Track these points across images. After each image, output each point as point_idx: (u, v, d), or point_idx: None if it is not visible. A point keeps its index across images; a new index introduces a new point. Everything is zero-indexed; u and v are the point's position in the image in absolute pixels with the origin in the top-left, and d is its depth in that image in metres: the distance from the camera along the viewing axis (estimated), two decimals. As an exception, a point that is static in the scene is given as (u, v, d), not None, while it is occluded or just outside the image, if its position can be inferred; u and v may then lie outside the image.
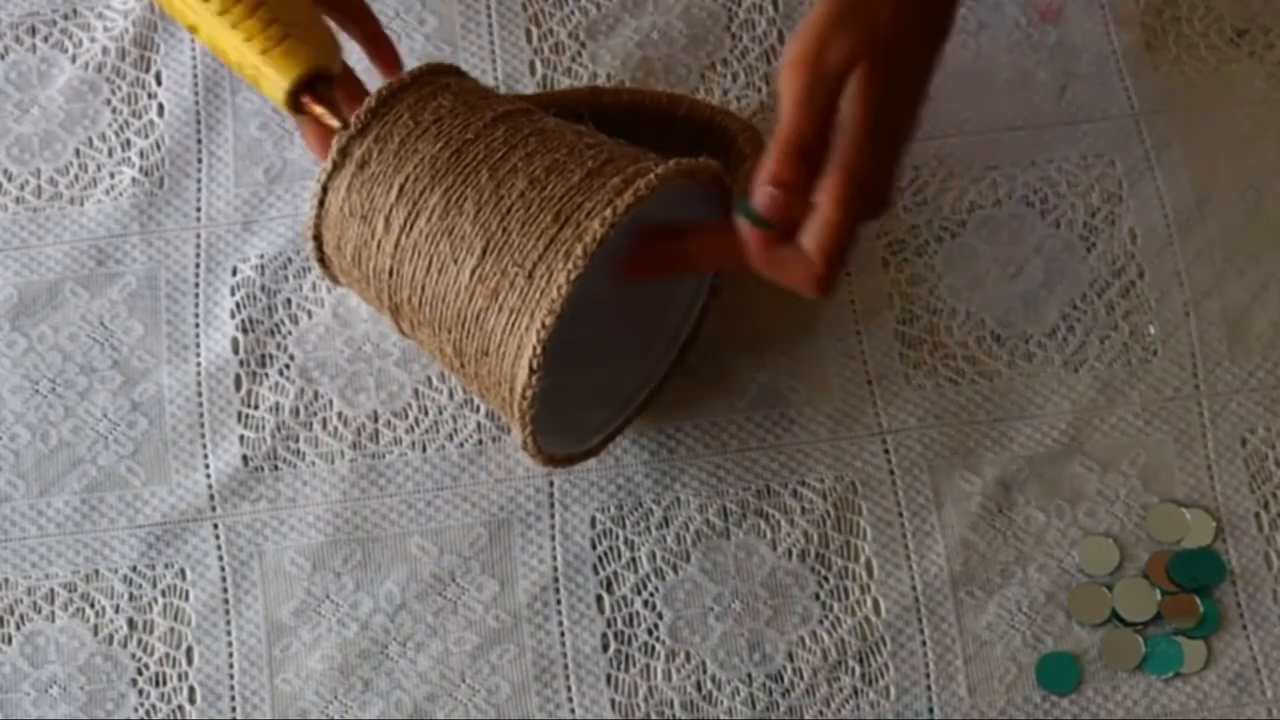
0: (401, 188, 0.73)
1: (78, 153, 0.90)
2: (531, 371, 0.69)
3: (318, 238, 0.76)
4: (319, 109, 0.73)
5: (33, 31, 0.93)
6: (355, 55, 0.82)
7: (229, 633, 0.83)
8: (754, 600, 0.84)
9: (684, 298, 0.84)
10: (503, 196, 0.71)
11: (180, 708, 0.82)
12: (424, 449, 0.85)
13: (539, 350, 0.69)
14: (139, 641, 0.83)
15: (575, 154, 0.72)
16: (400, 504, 0.85)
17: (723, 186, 0.76)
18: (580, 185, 0.71)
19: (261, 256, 0.88)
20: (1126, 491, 0.86)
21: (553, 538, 0.84)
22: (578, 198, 0.70)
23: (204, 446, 0.85)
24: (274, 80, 0.72)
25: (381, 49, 0.82)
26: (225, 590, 0.83)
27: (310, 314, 0.87)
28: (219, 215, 0.89)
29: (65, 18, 0.93)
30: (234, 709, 0.82)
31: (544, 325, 0.69)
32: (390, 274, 0.74)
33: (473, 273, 0.71)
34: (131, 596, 0.83)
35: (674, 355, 0.84)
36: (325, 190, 0.75)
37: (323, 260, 0.78)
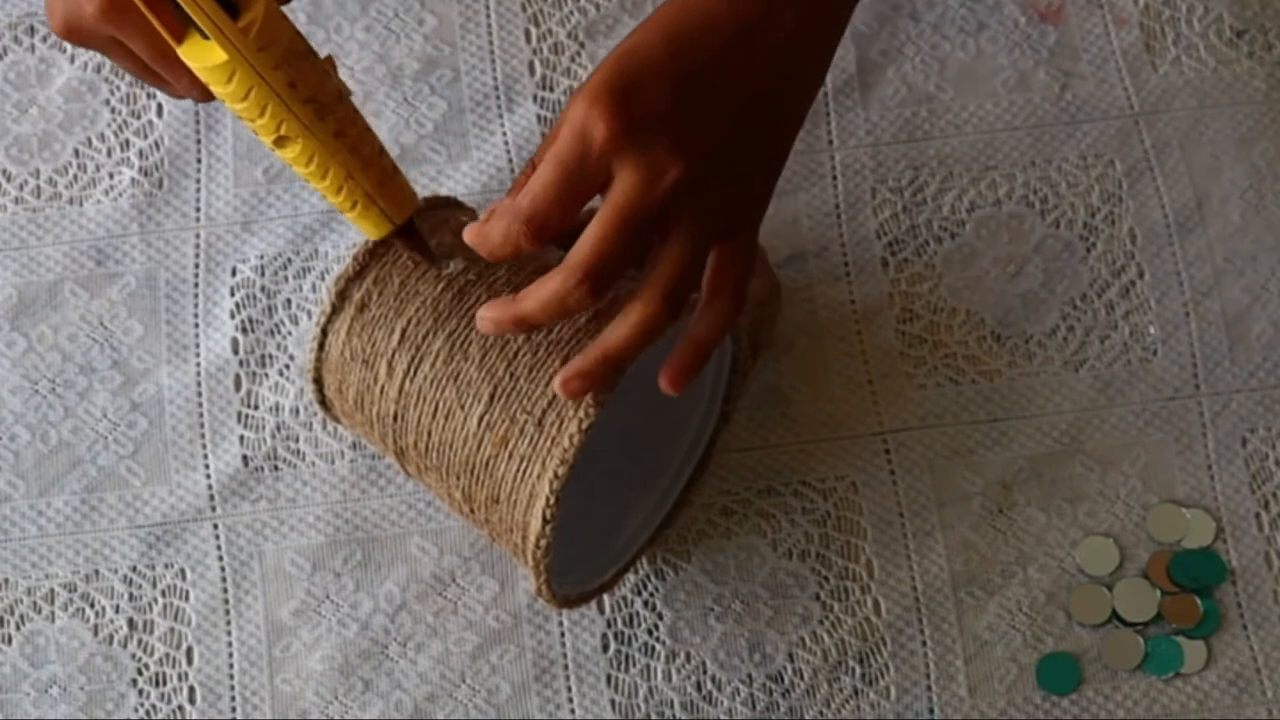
0: (404, 331, 0.72)
1: (77, 153, 0.90)
2: (545, 521, 0.68)
3: (318, 380, 0.76)
4: (417, 245, 0.71)
5: (32, 31, 0.93)
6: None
7: (229, 633, 0.83)
8: (754, 600, 0.84)
9: (692, 425, 0.82)
10: (508, 340, 0.70)
11: (180, 708, 0.82)
12: (424, 449, 0.85)
13: (553, 500, 0.68)
14: (139, 642, 0.83)
15: None
16: (400, 504, 0.85)
17: None
18: (587, 328, 0.70)
19: (261, 257, 0.88)
20: (1127, 492, 0.86)
21: (553, 538, 0.84)
22: (585, 340, 0.69)
23: (204, 447, 0.85)
24: (384, 213, 0.68)
25: None
26: (225, 590, 0.83)
27: (310, 314, 0.87)
28: (218, 215, 0.89)
29: (65, 18, 0.93)
30: (234, 709, 0.82)
31: (556, 475, 0.68)
32: (395, 419, 0.73)
33: (480, 419, 0.70)
34: (131, 597, 0.83)
35: (682, 485, 0.83)
36: (325, 333, 0.74)
37: (324, 403, 0.77)
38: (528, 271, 0.72)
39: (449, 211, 0.77)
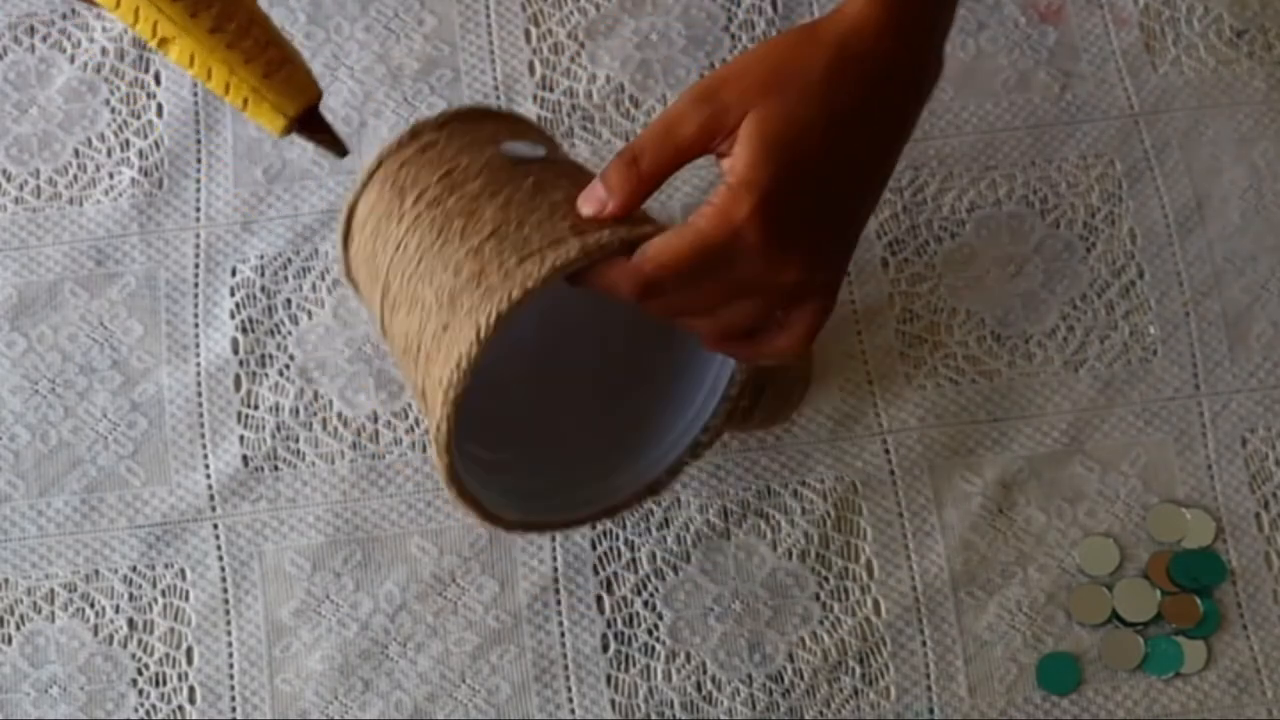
0: (407, 206, 0.73)
1: (77, 153, 0.90)
2: (454, 385, 0.67)
3: (346, 239, 0.77)
4: (321, 136, 0.70)
5: (31, 32, 0.93)
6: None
7: (229, 633, 0.83)
8: (754, 601, 0.84)
9: (689, 410, 0.81)
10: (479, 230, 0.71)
11: (180, 708, 0.82)
12: (424, 449, 0.85)
13: (472, 353, 0.66)
14: (139, 641, 0.83)
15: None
16: (400, 504, 0.85)
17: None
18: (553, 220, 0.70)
19: (261, 257, 0.88)
20: (1127, 492, 0.86)
21: (553, 538, 0.84)
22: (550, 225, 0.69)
23: (204, 447, 0.85)
24: (275, 106, 0.67)
25: None
26: (225, 590, 0.83)
27: (310, 314, 0.87)
28: (218, 215, 0.89)
29: (64, 18, 0.93)
30: (234, 709, 0.82)
31: (481, 329, 0.66)
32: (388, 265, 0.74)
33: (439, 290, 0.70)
34: (131, 597, 0.83)
35: (666, 465, 0.80)
36: (353, 206, 0.76)
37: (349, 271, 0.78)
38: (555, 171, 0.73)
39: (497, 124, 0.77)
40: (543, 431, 0.79)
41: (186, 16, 0.64)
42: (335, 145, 0.69)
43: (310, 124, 0.68)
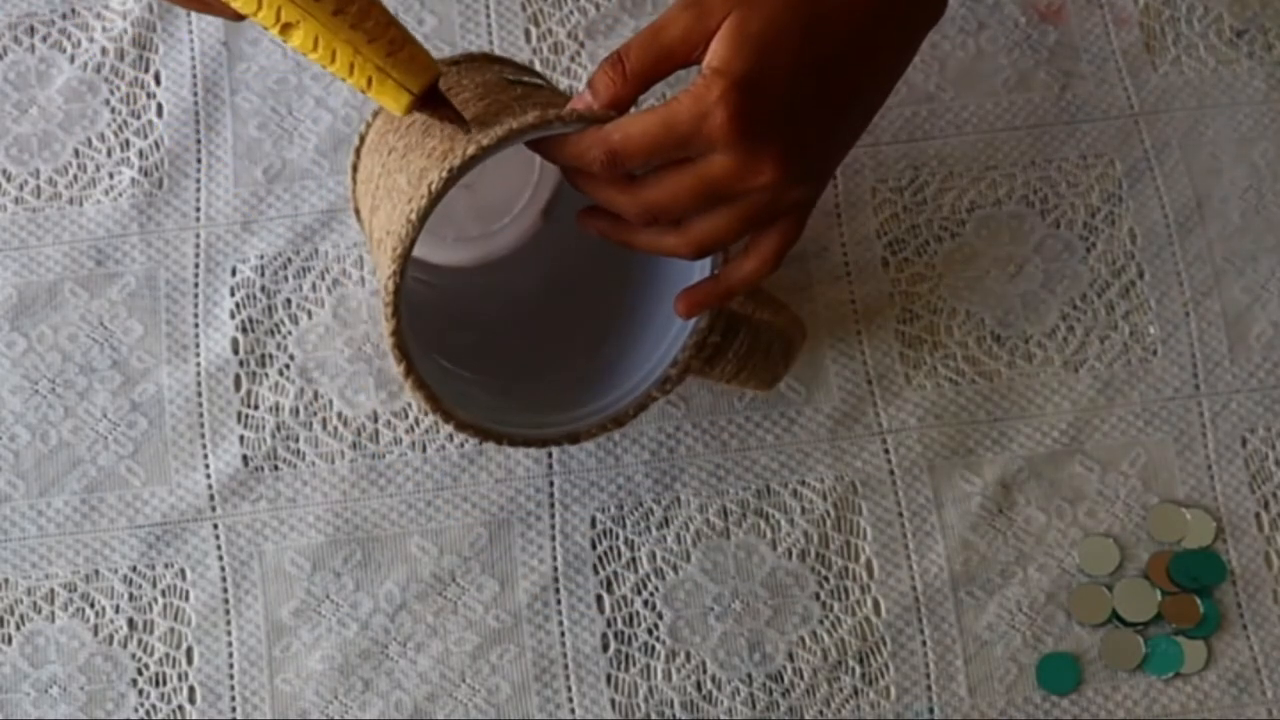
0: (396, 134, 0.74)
1: (77, 153, 0.90)
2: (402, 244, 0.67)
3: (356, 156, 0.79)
4: (443, 112, 0.70)
5: (31, 31, 0.92)
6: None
7: (229, 633, 0.83)
8: (754, 600, 0.84)
9: (663, 342, 0.80)
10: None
11: (180, 708, 0.82)
12: (424, 449, 0.85)
13: (424, 205, 0.67)
14: (139, 641, 0.83)
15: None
16: (400, 504, 0.85)
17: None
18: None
19: (261, 257, 0.88)
20: (1127, 492, 0.86)
21: (553, 538, 0.84)
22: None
23: (204, 446, 0.85)
24: (400, 84, 0.67)
25: None
26: (225, 590, 0.83)
27: (310, 314, 0.87)
28: (218, 215, 0.89)
29: (64, 18, 0.93)
30: (234, 709, 0.82)
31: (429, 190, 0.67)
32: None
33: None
34: (131, 596, 0.83)
35: (636, 395, 0.79)
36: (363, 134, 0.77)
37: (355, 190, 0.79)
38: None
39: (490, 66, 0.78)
40: (514, 364, 0.80)
41: (310, 1, 0.65)
42: (458, 120, 0.70)
43: (431, 100, 0.69)
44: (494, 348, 0.81)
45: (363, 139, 0.78)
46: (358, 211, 0.80)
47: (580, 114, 0.66)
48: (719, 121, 0.63)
